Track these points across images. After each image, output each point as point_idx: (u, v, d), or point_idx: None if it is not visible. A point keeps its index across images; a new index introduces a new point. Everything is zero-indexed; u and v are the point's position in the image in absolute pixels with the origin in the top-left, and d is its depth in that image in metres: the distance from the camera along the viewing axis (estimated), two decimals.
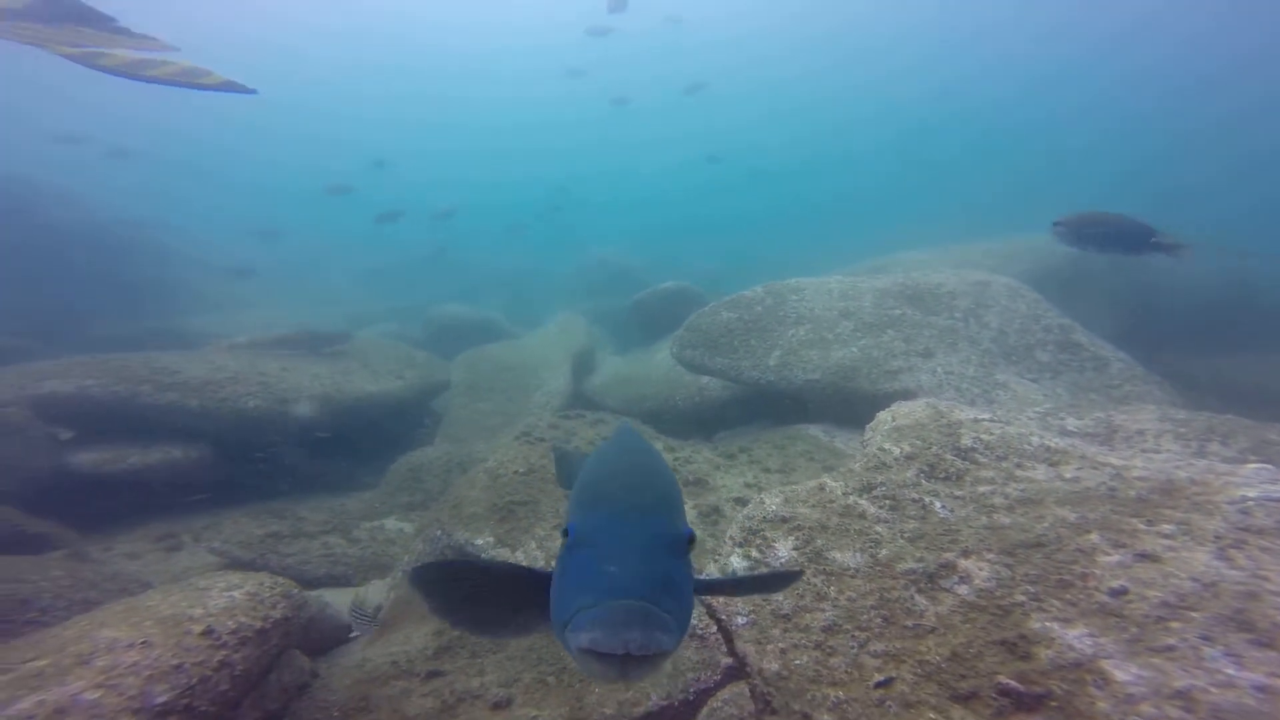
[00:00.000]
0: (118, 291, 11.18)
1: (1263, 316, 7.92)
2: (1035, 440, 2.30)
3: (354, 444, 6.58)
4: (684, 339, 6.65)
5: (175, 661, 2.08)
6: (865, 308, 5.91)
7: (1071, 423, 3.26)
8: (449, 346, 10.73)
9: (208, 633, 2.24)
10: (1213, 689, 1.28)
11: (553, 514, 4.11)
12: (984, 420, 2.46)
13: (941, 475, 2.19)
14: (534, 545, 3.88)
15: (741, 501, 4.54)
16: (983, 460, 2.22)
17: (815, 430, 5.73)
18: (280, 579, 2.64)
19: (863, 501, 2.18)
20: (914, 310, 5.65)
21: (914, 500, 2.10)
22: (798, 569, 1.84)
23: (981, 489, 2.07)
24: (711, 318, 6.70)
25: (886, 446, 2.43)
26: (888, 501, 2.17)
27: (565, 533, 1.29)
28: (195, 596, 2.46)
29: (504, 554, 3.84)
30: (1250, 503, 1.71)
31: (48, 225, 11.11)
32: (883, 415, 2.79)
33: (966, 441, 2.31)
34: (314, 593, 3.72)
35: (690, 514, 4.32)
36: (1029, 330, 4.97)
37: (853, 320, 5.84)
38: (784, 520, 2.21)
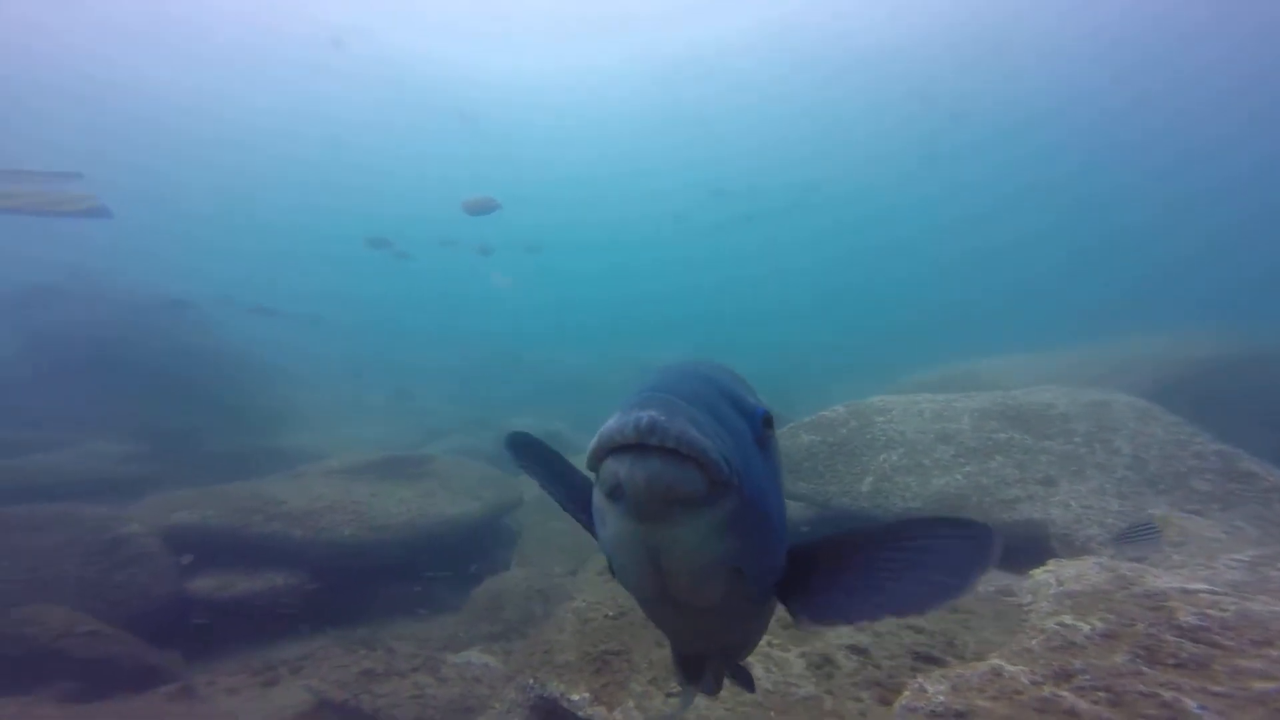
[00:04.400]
0: (225, 410, 12.29)
1: None
2: None
3: (438, 565, 6.52)
4: None
5: None
6: (964, 430, 5.62)
7: None
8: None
9: None
10: None
11: (646, 665, 3.81)
12: (1200, 591, 2.13)
13: (1171, 661, 1.85)
14: (632, 704, 3.55)
15: (858, 650, 4.03)
16: (1229, 644, 1.87)
17: None
18: None
19: (1065, 693, 1.84)
20: (1022, 434, 5.32)
21: (1146, 695, 1.76)
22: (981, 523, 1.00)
23: (1257, 685, 1.70)
24: (790, 440, 6.53)
25: (1068, 620, 2.11)
26: (1103, 694, 1.83)
27: None
28: None
29: (600, 712, 3.53)
30: None
31: (161, 348, 12.56)
32: (1042, 577, 2.49)
33: (1188, 619, 1.98)
34: None
35: (798, 663, 3.86)
36: (1175, 457, 4.51)
37: (952, 445, 5.56)
38: (960, 717, 1.91)
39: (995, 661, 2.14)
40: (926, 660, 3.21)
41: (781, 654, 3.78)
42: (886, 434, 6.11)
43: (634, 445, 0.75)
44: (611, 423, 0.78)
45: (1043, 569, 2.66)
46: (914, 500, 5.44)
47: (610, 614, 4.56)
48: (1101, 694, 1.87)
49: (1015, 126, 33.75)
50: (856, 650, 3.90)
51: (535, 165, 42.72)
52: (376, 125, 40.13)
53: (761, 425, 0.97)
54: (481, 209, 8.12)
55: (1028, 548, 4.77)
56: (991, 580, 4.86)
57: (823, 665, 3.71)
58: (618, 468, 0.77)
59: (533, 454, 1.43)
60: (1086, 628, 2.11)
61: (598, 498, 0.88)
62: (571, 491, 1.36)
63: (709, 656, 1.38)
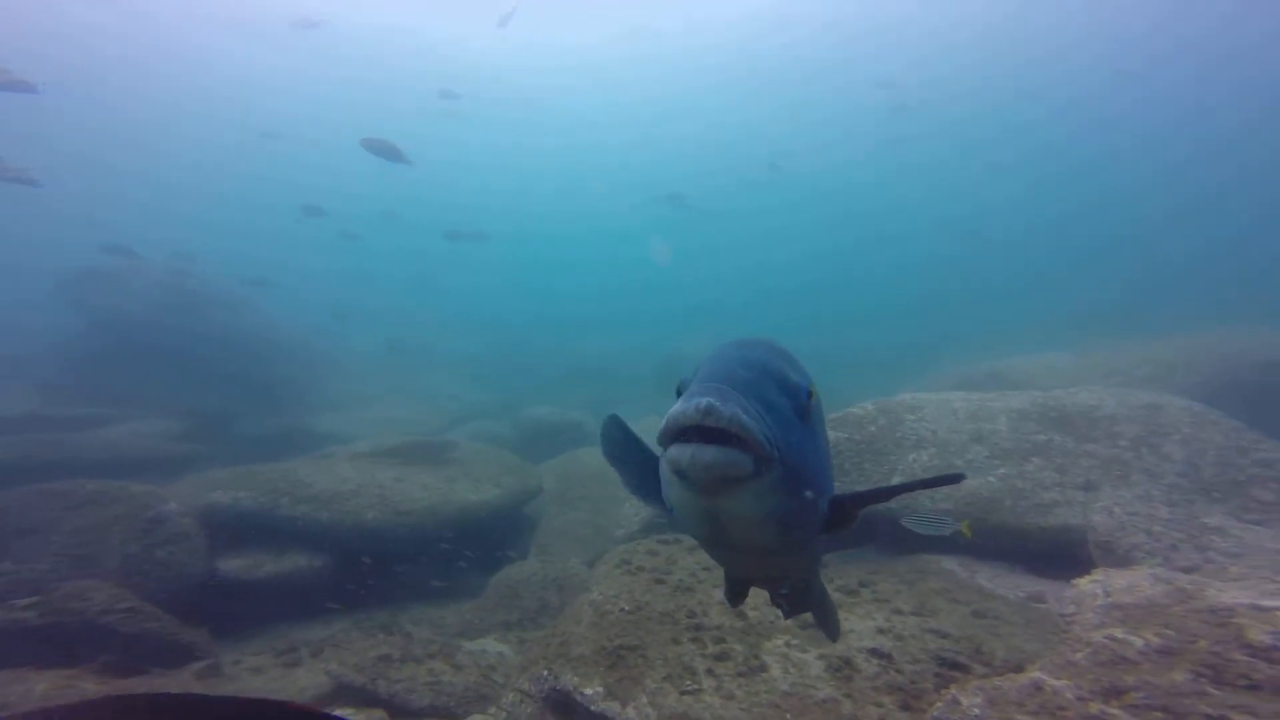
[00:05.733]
0: (259, 391, 12.65)
1: None
2: None
3: (458, 551, 6.58)
4: None
5: None
6: (1000, 431, 5.39)
7: None
8: (539, 447, 10.93)
9: None
10: None
11: (661, 661, 3.75)
12: (1277, 609, 1.95)
13: (1242, 683, 1.69)
14: (645, 700, 3.50)
15: (879, 654, 3.90)
16: None
17: (950, 564, 5.05)
18: None
19: (1116, 711, 1.70)
20: (1063, 436, 5.08)
21: (1212, 718, 1.61)
22: (959, 473, 1.48)
23: None
24: None
25: (1119, 634, 1.96)
26: (1159, 715, 1.69)
27: (678, 393, 1.21)
28: None
29: (614, 707, 3.48)
30: None
31: (208, 333, 13.02)
32: (1088, 587, 2.33)
33: (1260, 637, 1.81)
34: None
35: (816, 665, 3.75)
36: (1234, 464, 4.23)
37: (986, 445, 5.33)
38: None
39: (1036, 675, 2.01)
40: (952, 667, 3.07)
41: (800, 655, 3.68)
42: (917, 433, 5.90)
43: (695, 427, 0.93)
44: (677, 408, 0.96)
45: (1088, 578, 2.50)
46: (944, 501, 5.26)
47: (626, 608, 4.51)
48: (1158, 714, 1.73)
49: (1015, 115, 32.40)
50: (878, 654, 3.77)
51: (524, 153, 42.56)
52: (357, 104, 37.36)
53: (805, 397, 1.14)
54: (381, 151, 7.95)
55: (1060, 555, 4.55)
56: (1021, 585, 4.65)
57: (842, 668, 3.61)
58: (680, 455, 0.95)
59: (616, 435, 1.67)
60: (1140, 643, 1.96)
61: (664, 470, 1.08)
62: (639, 460, 1.59)
63: (755, 583, 1.69)
